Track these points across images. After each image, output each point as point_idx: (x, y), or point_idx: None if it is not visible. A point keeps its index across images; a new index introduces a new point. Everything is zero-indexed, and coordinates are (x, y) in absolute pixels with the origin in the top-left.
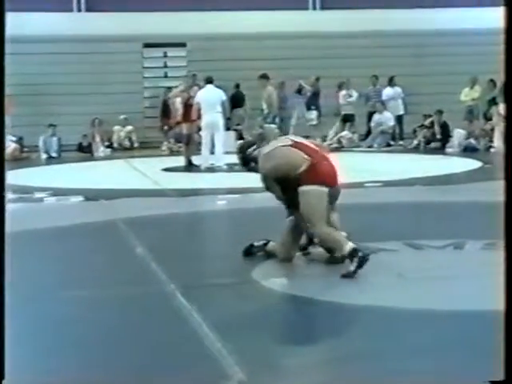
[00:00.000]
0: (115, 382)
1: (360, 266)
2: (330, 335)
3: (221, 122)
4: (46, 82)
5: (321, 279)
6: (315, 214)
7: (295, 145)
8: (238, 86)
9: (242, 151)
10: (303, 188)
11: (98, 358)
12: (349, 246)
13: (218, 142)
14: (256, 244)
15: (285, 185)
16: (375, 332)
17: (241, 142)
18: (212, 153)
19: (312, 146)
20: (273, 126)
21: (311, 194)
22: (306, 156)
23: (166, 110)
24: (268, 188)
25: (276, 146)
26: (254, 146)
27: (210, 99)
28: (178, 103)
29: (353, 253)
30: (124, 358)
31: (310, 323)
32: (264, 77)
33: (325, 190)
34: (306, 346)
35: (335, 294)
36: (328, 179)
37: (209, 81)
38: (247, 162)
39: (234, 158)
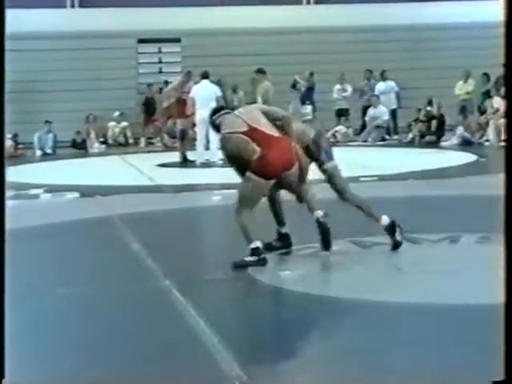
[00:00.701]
0: (112, 378)
1: (253, 264)
2: (326, 330)
3: None
4: (39, 78)
5: (317, 273)
6: (244, 200)
7: (249, 132)
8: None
9: (210, 116)
10: (248, 174)
11: (93, 355)
12: (254, 244)
13: (213, 138)
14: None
15: (242, 167)
16: (372, 327)
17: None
18: (207, 148)
19: (267, 131)
20: None
21: (251, 182)
22: (256, 147)
23: (148, 108)
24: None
25: (231, 131)
26: (219, 113)
27: (205, 94)
28: (168, 100)
29: (254, 251)
30: (120, 355)
31: (307, 318)
32: (260, 71)
33: (266, 183)
34: (302, 341)
35: (331, 289)
36: (275, 171)
37: (204, 76)
38: (215, 127)
39: None
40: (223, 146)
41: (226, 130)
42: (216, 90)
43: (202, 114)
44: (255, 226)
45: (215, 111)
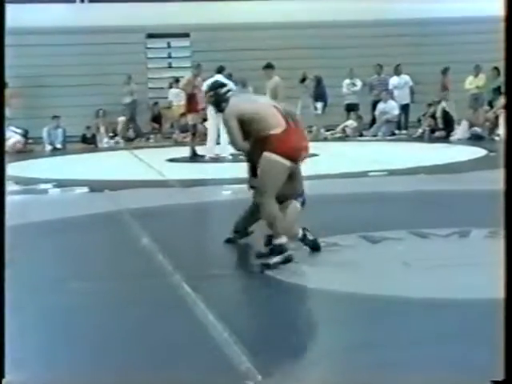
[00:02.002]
0: (122, 373)
1: (281, 263)
2: (334, 324)
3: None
4: (49, 73)
5: (325, 268)
6: (269, 185)
7: (275, 108)
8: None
9: (213, 88)
10: (267, 154)
11: (102, 351)
12: (283, 239)
13: (224, 133)
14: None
15: (248, 137)
16: (380, 321)
17: (213, 80)
18: (217, 143)
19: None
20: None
21: (273, 164)
22: (282, 121)
23: (156, 117)
24: (228, 130)
25: (256, 100)
26: (228, 87)
27: None
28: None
29: (282, 248)
30: (129, 350)
31: (315, 312)
32: (269, 66)
33: (287, 164)
34: (311, 335)
35: (340, 283)
36: (294, 153)
37: (219, 71)
38: (219, 102)
39: None
40: (236, 107)
41: (247, 97)
42: (229, 85)
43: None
44: (284, 220)
45: (222, 85)
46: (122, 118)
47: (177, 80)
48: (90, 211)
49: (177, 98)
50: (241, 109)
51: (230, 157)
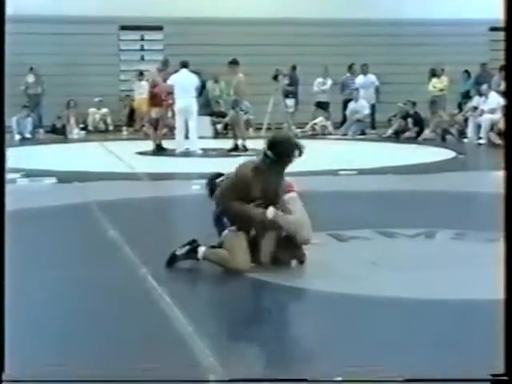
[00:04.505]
0: (85, 365)
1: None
2: (301, 322)
3: (194, 106)
4: (20, 62)
5: (294, 266)
6: None
7: None
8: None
9: (210, 183)
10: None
11: (65, 342)
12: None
13: (192, 127)
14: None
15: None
16: (347, 320)
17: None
18: (187, 137)
19: None
20: (241, 112)
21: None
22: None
23: (131, 115)
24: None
25: None
26: (221, 178)
27: (184, 84)
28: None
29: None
30: (93, 343)
31: (282, 309)
32: (234, 62)
33: None
34: (277, 332)
35: (308, 282)
36: None
37: (184, 65)
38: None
39: (209, 143)
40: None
41: None
42: (195, 80)
43: (181, 102)
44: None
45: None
46: (92, 110)
47: (141, 73)
48: (58, 202)
49: (139, 90)
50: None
51: (200, 151)
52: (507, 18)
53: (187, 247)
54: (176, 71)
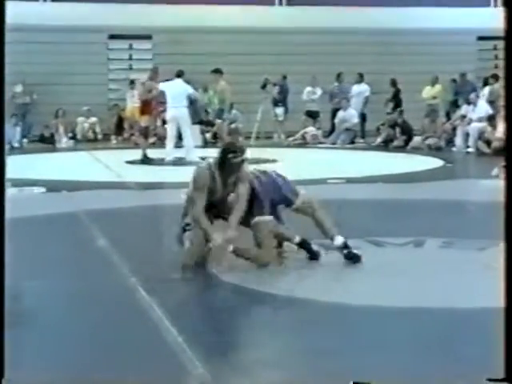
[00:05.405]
0: (74, 376)
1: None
2: (289, 330)
3: (186, 115)
4: (9, 71)
5: (280, 274)
6: None
7: None
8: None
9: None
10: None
11: (53, 352)
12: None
13: (187, 136)
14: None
15: None
16: (334, 328)
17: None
18: (177, 146)
19: None
20: (224, 122)
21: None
22: None
23: (120, 124)
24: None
25: None
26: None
27: (176, 93)
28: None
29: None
30: (82, 353)
31: (271, 318)
32: (217, 71)
33: None
34: (266, 341)
35: (295, 290)
36: None
37: (178, 74)
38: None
39: (202, 152)
40: None
41: None
42: (187, 89)
43: (173, 111)
44: None
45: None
46: (81, 119)
47: (132, 82)
48: (47, 211)
49: (132, 99)
50: None
51: (197, 159)
52: (507, 27)
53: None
54: (167, 80)
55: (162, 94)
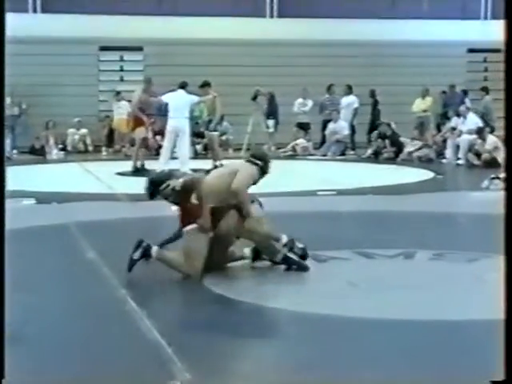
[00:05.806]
0: None
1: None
2: (277, 342)
3: (187, 127)
4: None
5: (270, 286)
6: None
7: None
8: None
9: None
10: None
11: (42, 362)
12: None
13: (184, 147)
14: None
15: None
16: (324, 340)
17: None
18: (172, 158)
19: None
20: (215, 133)
21: None
22: None
23: (111, 135)
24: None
25: None
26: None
27: (178, 104)
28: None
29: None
30: (72, 363)
31: (259, 329)
32: (204, 85)
33: None
34: (254, 352)
35: (284, 302)
36: None
37: (181, 86)
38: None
39: (196, 164)
40: None
41: None
42: (193, 98)
43: (175, 122)
44: None
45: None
46: (71, 130)
47: (118, 93)
48: (37, 223)
49: (118, 111)
50: None
51: (190, 172)
52: (507, 39)
53: (140, 250)
54: (170, 91)
55: (152, 105)
